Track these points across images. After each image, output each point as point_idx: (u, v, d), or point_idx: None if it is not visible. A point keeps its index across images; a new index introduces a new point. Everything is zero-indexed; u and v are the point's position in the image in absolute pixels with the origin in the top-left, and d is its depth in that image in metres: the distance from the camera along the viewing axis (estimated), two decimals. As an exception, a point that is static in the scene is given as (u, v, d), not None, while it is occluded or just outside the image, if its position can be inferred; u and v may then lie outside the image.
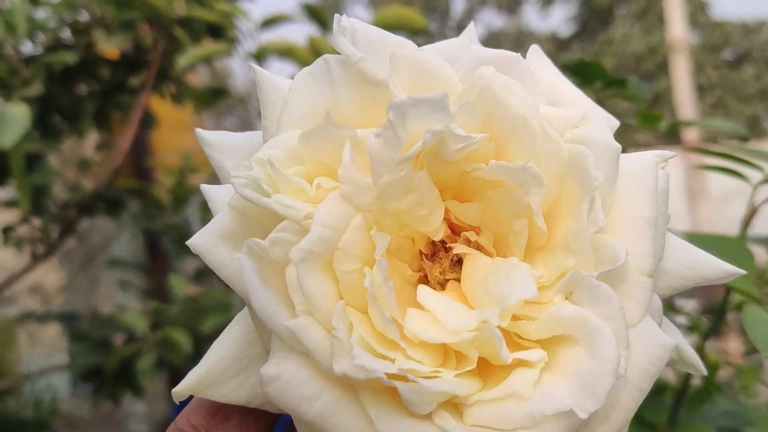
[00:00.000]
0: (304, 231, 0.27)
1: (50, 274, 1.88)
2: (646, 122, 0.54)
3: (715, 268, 0.31)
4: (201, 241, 0.30)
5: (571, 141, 0.29)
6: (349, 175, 0.27)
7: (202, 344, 1.14)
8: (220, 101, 1.35)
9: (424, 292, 0.29)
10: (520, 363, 0.27)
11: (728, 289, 0.50)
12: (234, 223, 0.30)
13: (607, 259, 0.28)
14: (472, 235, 0.31)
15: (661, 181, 0.30)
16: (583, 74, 0.52)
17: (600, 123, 0.30)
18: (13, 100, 1.13)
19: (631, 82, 0.52)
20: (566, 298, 0.28)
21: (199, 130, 0.34)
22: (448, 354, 0.28)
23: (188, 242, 0.30)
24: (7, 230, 1.41)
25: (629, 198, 0.29)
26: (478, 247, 0.31)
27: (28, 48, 1.30)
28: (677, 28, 3.17)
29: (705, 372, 0.33)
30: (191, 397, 0.32)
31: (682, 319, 0.77)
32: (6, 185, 1.33)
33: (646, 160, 0.31)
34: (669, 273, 0.31)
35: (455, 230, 0.32)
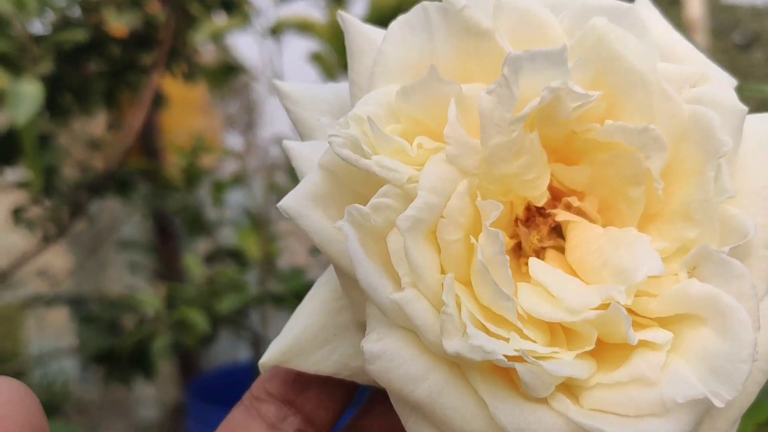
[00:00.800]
0: (407, 196, 0.25)
1: (58, 257, 1.87)
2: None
3: None
4: (293, 203, 0.28)
5: (690, 101, 0.27)
6: (456, 135, 0.25)
7: (217, 325, 1.12)
8: (232, 79, 1.33)
9: (536, 265, 0.27)
10: (643, 344, 0.25)
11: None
12: (325, 183, 0.28)
13: (732, 232, 0.25)
14: (574, 201, 0.29)
15: None
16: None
17: (722, 82, 0.28)
18: (25, 78, 1.11)
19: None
20: (689, 274, 0.25)
21: (276, 81, 0.31)
22: (555, 332, 0.26)
23: (279, 204, 0.28)
24: (18, 211, 1.39)
25: (753, 165, 0.27)
26: (580, 213, 0.29)
27: (37, 27, 1.28)
28: (694, 6, 3.13)
29: None
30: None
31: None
32: (16, 166, 1.32)
33: (766, 123, 0.29)
34: None
35: (556, 195, 0.29)
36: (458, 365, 0.25)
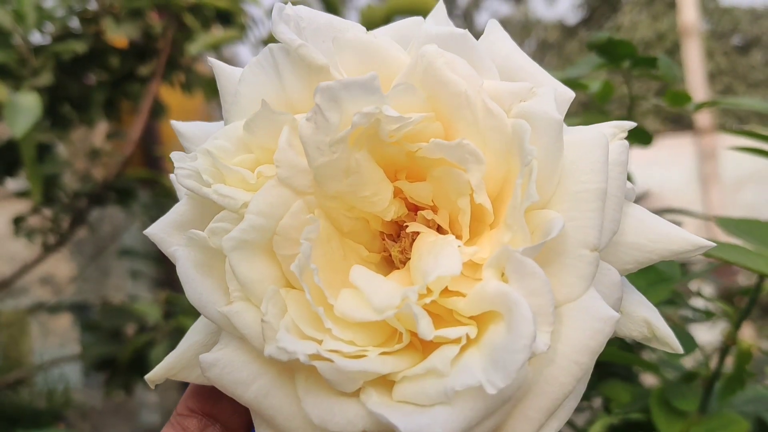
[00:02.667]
0: (242, 219, 0.27)
1: (61, 265, 1.88)
2: (674, 102, 0.52)
3: (684, 241, 0.31)
4: (157, 230, 0.31)
5: (515, 116, 0.29)
6: (285, 159, 0.28)
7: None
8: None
9: (356, 271, 0.29)
10: (448, 340, 0.26)
11: (760, 279, 0.49)
12: (190, 211, 0.31)
13: (544, 233, 0.27)
14: (428, 214, 0.31)
15: (615, 153, 0.30)
16: (611, 53, 0.51)
17: (545, 95, 0.30)
18: (24, 90, 1.12)
19: (662, 60, 0.50)
20: (502, 276, 0.27)
21: (174, 122, 0.34)
22: (394, 332, 0.28)
23: (145, 231, 0.31)
24: (19, 221, 1.41)
25: (576, 170, 0.29)
26: (437, 227, 0.31)
27: (36, 38, 1.29)
28: (689, 12, 3.14)
29: (680, 350, 0.32)
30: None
31: (700, 303, 0.76)
32: (17, 176, 1.33)
33: (595, 130, 0.30)
34: (632, 246, 0.31)
35: (415, 209, 0.31)
36: (290, 369, 0.28)
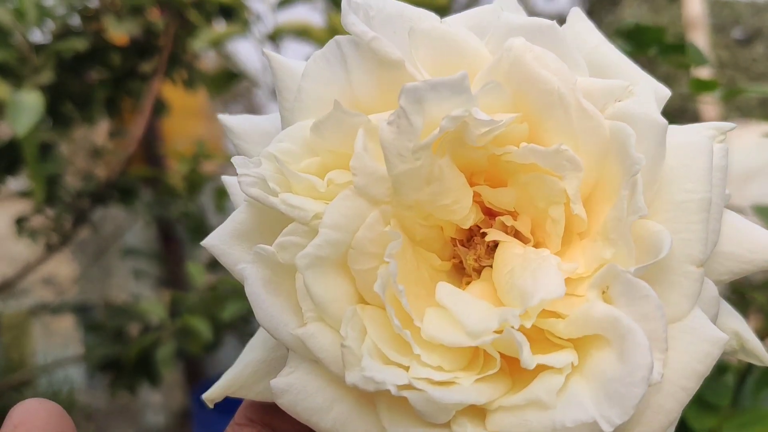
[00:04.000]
0: (314, 233, 0.25)
1: (63, 265, 1.87)
2: (699, 89, 0.51)
3: None
4: (216, 241, 0.29)
5: (612, 117, 0.27)
6: (362, 166, 0.26)
7: (221, 332, 1.12)
8: (233, 85, 1.33)
9: (443, 289, 0.27)
10: (551, 369, 0.24)
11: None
12: (250, 220, 0.29)
13: (649, 250, 0.25)
14: (508, 220, 0.29)
15: (717, 157, 0.27)
16: (638, 40, 0.50)
17: (645, 95, 0.27)
18: (25, 88, 1.11)
19: (690, 46, 0.49)
20: (603, 294, 0.25)
21: (222, 117, 0.32)
22: (476, 353, 0.26)
23: (203, 242, 0.29)
24: (21, 221, 1.39)
25: (679, 178, 0.27)
26: (516, 233, 0.29)
27: (37, 36, 1.28)
28: (694, 4, 3.12)
29: None
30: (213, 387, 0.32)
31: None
32: (18, 175, 1.32)
33: (698, 133, 0.28)
34: (729, 257, 0.28)
35: (492, 213, 0.29)
36: (369, 395, 0.26)
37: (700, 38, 3.32)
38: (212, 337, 1.04)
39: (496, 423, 0.25)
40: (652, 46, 0.50)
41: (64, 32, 1.28)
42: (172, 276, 1.73)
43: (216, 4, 1.17)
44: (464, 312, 0.25)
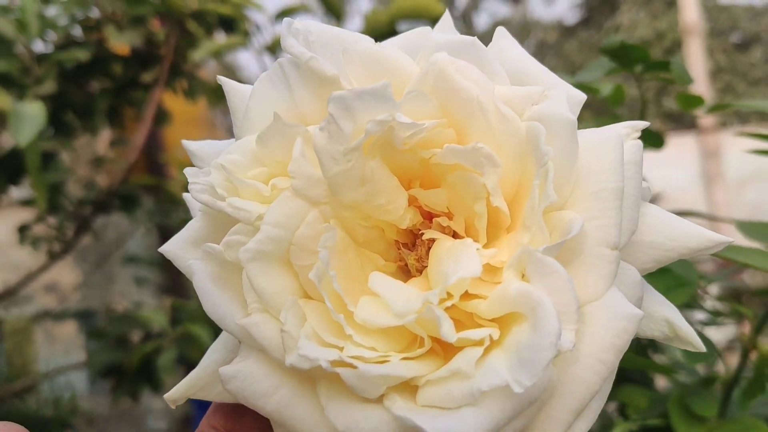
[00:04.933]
0: (257, 232, 0.27)
1: (66, 273, 1.88)
2: (686, 105, 0.53)
3: (702, 237, 0.31)
4: (172, 247, 0.32)
5: (529, 119, 0.29)
6: (299, 170, 0.28)
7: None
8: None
9: (375, 277, 0.29)
10: (470, 342, 0.26)
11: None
12: (204, 227, 0.31)
13: (563, 234, 0.27)
14: (444, 221, 0.31)
15: (630, 152, 0.30)
16: (623, 57, 0.51)
17: (557, 98, 0.30)
18: (27, 99, 1.12)
19: (674, 63, 0.50)
20: (522, 276, 0.27)
21: (185, 142, 0.35)
22: (414, 338, 0.28)
23: (160, 249, 0.32)
24: (24, 229, 1.41)
25: (593, 171, 0.29)
26: (453, 233, 0.31)
27: (39, 46, 1.30)
28: (690, 11, 3.14)
29: (703, 349, 0.32)
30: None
31: (707, 304, 0.76)
32: (21, 184, 1.33)
33: (611, 131, 0.30)
34: (650, 245, 0.31)
35: (430, 217, 0.31)
36: (311, 378, 0.28)
37: (696, 44, 3.34)
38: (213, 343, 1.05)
39: (424, 397, 0.27)
40: (637, 63, 0.52)
41: (66, 42, 1.29)
42: (173, 283, 1.75)
43: (216, 15, 1.18)
44: (392, 296, 0.27)
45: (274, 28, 1.18)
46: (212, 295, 0.28)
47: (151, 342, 1.16)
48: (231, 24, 1.22)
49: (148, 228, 1.67)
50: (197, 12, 1.18)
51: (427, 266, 0.31)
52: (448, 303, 0.27)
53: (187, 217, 1.54)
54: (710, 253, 0.31)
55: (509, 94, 0.30)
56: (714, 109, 0.53)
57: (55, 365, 1.78)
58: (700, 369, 0.60)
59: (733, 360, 0.52)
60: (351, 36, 0.32)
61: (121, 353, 1.27)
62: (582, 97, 0.33)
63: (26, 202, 1.38)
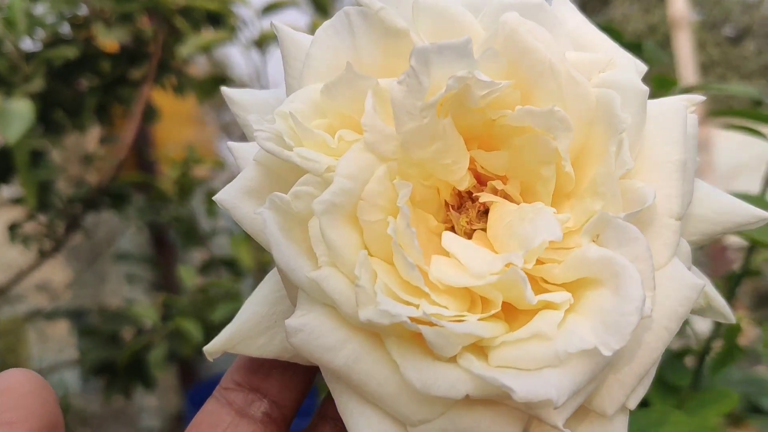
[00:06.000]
0: (327, 184, 0.27)
1: (57, 271, 1.88)
2: (661, 87, 0.53)
3: (746, 213, 0.31)
4: (227, 196, 0.30)
5: (597, 85, 0.29)
6: (372, 124, 0.27)
7: (212, 334, 1.14)
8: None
9: (448, 237, 0.29)
10: (545, 305, 0.27)
11: (748, 252, 0.49)
12: (259, 178, 0.30)
13: (634, 202, 0.27)
14: (498, 184, 0.31)
15: (690, 125, 0.30)
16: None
17: (627, 66, 0.30)
18: (16, 96, 1.12)
19: (647, 45, 0.51)
20: (593, 241, 0.27)
21: (224, 89, 0.34)
22: (474, 301, 0.28)
23: (215, 197, 0.31)
24: (13, 227, 1.40)
25: (657, 142, 0.29)
26: (506, 196, 0.31)
27: (27, 44, 1.29)
28: (679, 3, 3.14)
29: (734, 320, 0.33)
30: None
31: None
32: (10, 183, 1.33)
33: (675, 103, 0.30)
34: (699, 219, 0.31)
35: (482, 180, 0.31)
36: (377, 335, 0.27)
37: (684, 37, 3.34)
38: (203, 339, 1.05)
39: (500, 357, 0.26)
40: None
41: (55, 40, 1.29)
42: (165, 280, 1.75)
43: (203, 11, 1.18)
44: (469, 256, 0.27)
45: (260, 23, 1.18)
46: (283, 246, 0.27)
47: (141, 338, 1.16)
48: (218, 19, 1.22)
49: (138, 226, 1.67)
50: (184, 8, 1.18)
51: (475, 229, 0.31)
52: (528, 266, 0.26)
53: (177, 215, 1.53)
54: (754, 227, 0.32)
55: (576, 59, 0.30)
56: (687, 90, 0.54)
57: (47, 364, 1.78)
58: (673, 344, 0.61)
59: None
60: None
61: (113, 351, 1.27)
62: (644, 68, 0.33)
63: (16, 201, 1.38)
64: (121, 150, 1.37)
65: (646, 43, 0.51)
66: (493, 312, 0.27)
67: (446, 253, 0.28)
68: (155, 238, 1.78)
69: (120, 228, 1.77)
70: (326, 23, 0.30)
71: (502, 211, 0.30)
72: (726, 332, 0.51)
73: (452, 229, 0.31)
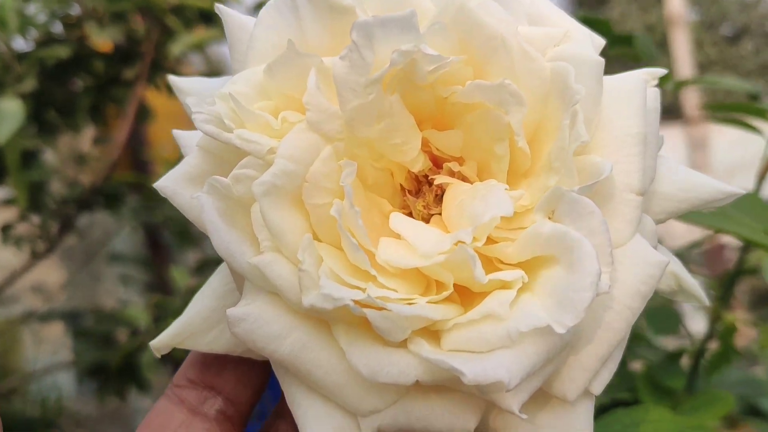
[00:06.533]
0: (268, 166, 0.26)
1: (51, 273, 1.87)
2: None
3: (713, 189, 0.30)
4: (168, 182, 0.30)
5: (552, 59, 0.28)
6: (315, 102, 0.26)
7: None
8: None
9: (396, 218, 0.28)
10: (498, 285, 0.26)
11: (742, 251, 0.49)
12: (203, 163, 0.30)
13: (591, 177, 0.26)
14: (455, 166, 0.30)
15: (650, 99, 0.29)
16: (586, 32, 0.51)
17: (582, 39, 0.29)
18: (7, 96, 1.11)
19: (638, 38, 0.50)
20: (549, 218, 0.26)
21: (171, 77, 0.33)
22: (429, 285, 0.27)
23: (155, 184, 0.30)
24: (6, 228, 1.40)
25: (616, 115, 0.28)
26: (463, 178, 0.30)
27: (19, 44, 1.28)
28: (675, 2, 3.14)
29: (707, 302, 0.31)
30: None
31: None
32: (3, 184, 1.32)
33: (633, 77, 0.30)
34: (664, 196, 0.30)
35: (438, 163, 0.30)
36: (325, 322, 0.27)
37: (681, 36, 3.34)
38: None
39: (452, 341, 0.25)
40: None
41: (47, 40, 1.28)
42: (159, 280, 1.74)
43: (195, 9, 1.17)
44: (417, 236, 0.26)
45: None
46: (222, 231, 0.26)
47: (133, 339, 1.15)
48: (211, 17, 1.22)
49: (133, 226, 1.67)
50: (177, 6, 1.17)
51: (433, 214, 0.30)
52: (477, 244, 0.26)
53: (171, 215, 1.52)
54: (722, 204, 0.30)
55: (530, 33, 0.29)
56: (680, 85, 0.53)
57: (42, 366, 1.77)
58: (669, 345, 0.60)
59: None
60: None
61: (107, 352, 1.26)
62: (601, 42, 0.32)
63: (9, 201, 1.37)
64: (115, 150, 1.36)
65: (637, 36, 0.50)
66: (445, 294, 0.26)
67: (398, 237, 0.27)
68: (149, 238, 1.77)
69: (114, 228, 1.76)
70: (269, 2, 0.29)
71: (455, 192, 0.29)
72: (721, 333, 0.50)
73: (410, 215, 0.30)
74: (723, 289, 0.49)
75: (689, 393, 0.49)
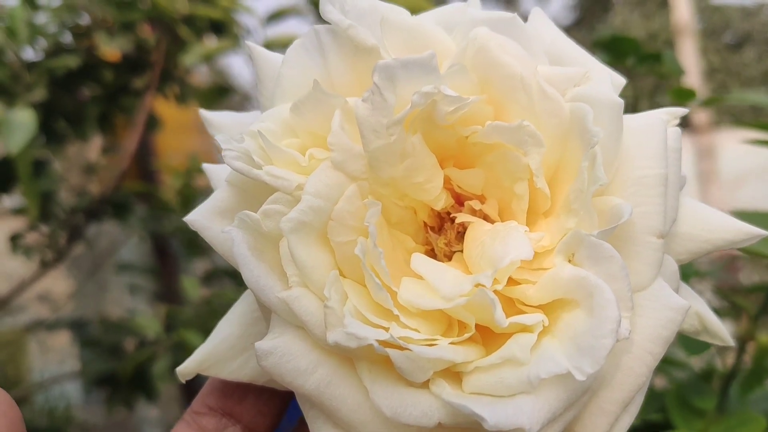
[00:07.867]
0: (297, 202, 0.26)
1: (59, 282, 1.87)
2: (679, 98, 0.52)
3: (737, 230, 0.30)
4: (198, 216, 0.30)
5: (572, 99, 0.28)
6: (339, 142, 0.27)
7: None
8: (224, 99, 1.34)
9: (418, 259, 0.28)
10: (520, 328, 0.26)
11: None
12: (231, 198, 0.30)
13: (610, 220, 0.26)
14: (476, 204, 0.30)
15: (671, 139, 0.29)
16: (614, 50, 0.51)
17: (601, 80, 0.29)
18: (18, 106, 1.11)
19: (666, 55, 0.50)
20: (569, 261, 0.26)
21: (202, 111, 0.34)
22: (451, 324, 0.27)
23: (186, 218, 0.30)
24: (15, 238, 1.39)
25: (636, 156, 0.28)
26: (484, 217, 0.30)
27: (29, 54, 1.29)
28: (683, 10, 3.14)
29: (731, 343, 0.31)
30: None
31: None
32: (12, 193, 1.32)
33: (654, 116, 0.29)
34: (687, 237, 0.30)
35: (460, 200, 0.31)
36: (350, 359, 0.27)
37: (688, 44, 3.35)
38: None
39: (473, 384, 0.25)
40: (629, 56, 0.51)
41: (56, 50, 1.28)
42: (167, 290, 1.73)
43: (206, 19, 1.17)
44: (438, 278, 0.26)
45: (264, 31, 1.17)
46: (252, 265, 0.27)
47: (144, 350, 1.15)
48: (221, 28, 1.22)
49: (141, 236, 1.66)
50: (187, 16, 1.17)
51: (455, 251, 0.30)
52: (498, 287, 0.26)
53: (179, 225, 1.52)
54: (745, 245, 0.30)
55: (550, 73, 0.29)
56: (708, 102, 0.53)
57: (49, 375, 1.77)
58: (697, 365, 0.60)
59: (731, 357, 0.51)
60: (387, 7, 0.30)
61: (115, 362, 1.26)
62: (622, 81, 0.32)
63: (18, 211, 1.37)
64: (123, 160, 1.36)
65: (666, 53, 0.50)
66: (467, 335, 0.26)
67: (420, 276, 0.27)
68: (157, 248, 1.77)
69: (122, 238, 1.76)
70: (296, 42, 0.30)
71: (476, 232, 0.29)
72: (755, 354, 0.50)
73: (432, 251, 0.31)
74: (756, 311, 0.49)
75: (720, 413, 0.48)
